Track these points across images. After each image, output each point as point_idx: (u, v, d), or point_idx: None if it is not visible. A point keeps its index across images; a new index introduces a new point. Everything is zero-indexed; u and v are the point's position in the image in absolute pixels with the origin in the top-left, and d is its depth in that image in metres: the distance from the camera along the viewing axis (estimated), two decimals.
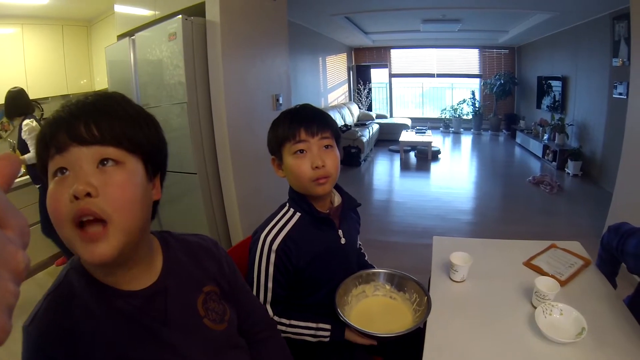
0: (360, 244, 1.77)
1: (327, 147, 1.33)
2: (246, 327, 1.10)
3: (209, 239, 1.08)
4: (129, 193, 0.74)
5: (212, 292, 0.96)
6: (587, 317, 1.25)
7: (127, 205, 0.73)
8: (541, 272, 1.62)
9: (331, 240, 1.44)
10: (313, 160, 1.29)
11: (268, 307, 1.36)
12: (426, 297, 1.36)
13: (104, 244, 0.70)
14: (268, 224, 1.38)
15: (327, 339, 1.37)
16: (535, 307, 1.36)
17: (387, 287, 1.51)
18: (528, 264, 1.71)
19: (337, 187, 1.50)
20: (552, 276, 1.54)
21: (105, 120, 0.74)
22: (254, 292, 1.35)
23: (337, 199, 1.49)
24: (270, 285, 1.34)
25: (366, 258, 1.77)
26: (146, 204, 0.80)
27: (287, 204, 1.43)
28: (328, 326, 1.37)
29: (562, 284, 1.51)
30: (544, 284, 1.41)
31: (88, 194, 0.69)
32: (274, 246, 1.32)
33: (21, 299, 0.33)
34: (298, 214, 1.39)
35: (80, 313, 0.76)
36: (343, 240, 1.46)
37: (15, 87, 3.51)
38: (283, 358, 1.20)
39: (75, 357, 0.73)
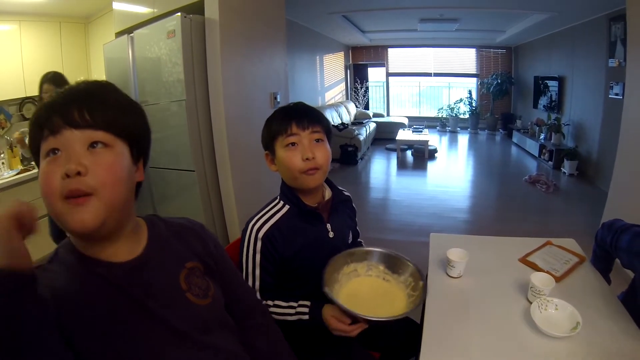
0: (360, 241, 1.77)
1: (317, 140, 1.38)
2: (237, 312, 1.13)
3: (196, 222, 1.12)
4: (115, 172, 0.81)
5: (195, 267, 1.00)
6: (581, 312, 1.27)
7: (112, 182, 0.80)
8: (536, 269, 1.63)
9: (319, 233, 1.46)
10: (303, 152, 1.34)
11: (257, 295, 1.38)
12: (422, 283, 1.34)
13: (88, 212, 0.76)
14: (258, 214, 1.44)
15: (307, 317, 1.34)
16: (530, 303, 1.38)
17: (381, 267, 1.46)
18: (524, 260, 1.73)
19: (329, 182, 1.55)
20: (548, 272, 1.56)
21: (97, 106, 0.81)
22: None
23: (327, 193, 1.53)
24: (257, 272, 1.38)
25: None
26: (130, 184, 0.86)
27: (278, 197, 1.48)
28: (307, 302, 1.36)
29: (557, 280, 1.52)
30: (539, 279, 1.43)
31: (79, 173, 0.76)
32: (260, 234, 1.37)
33: None
34: (287, 206, 1.43)
35: (65, 277, 0.81)
36: (331, 234, 1.49)
37: (51, 72, 3.24)
38: (275, 345, 1.21)
39: (59, 317, 0.74)
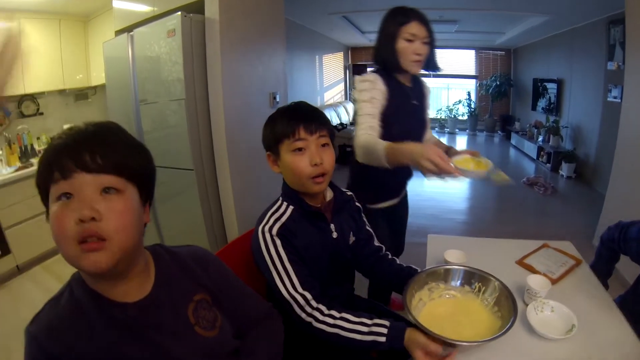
0: (381, 246, 1.69)
1: (324, 145, 1.36)
2: (245, 324, 1.14)
3: (199, 248, 1.13)
4: (127, 219, 0.84)
5: (202, 300, 1.01)
6: (577, 314, 1.28)
7: (125, 228, 0.83)
8: (533, 271, 1.64)
9: (323, 234, 1.45)
10: (312, 157, 1.31)
11: (306, 293, 1.30)
12: (497, 282, 1.33)
13: (102, 255, 0.79)
14: (264, 218, 1.39)
15: (384, 338, 1.21)
16: (527, 304, 1.39)
17: (442, 285, 1.42)
18: (521, 262, 1.74)
19: (330, 183, 1.52)
20: (544, 274, 1.56)
21: (108, 150, 0.83)
22: (280, 286, 1.30)
23: (329, 194, 1.52)
24: (290, 268, 1.31)
25: (390, 257, 1.66)
26: (139, 227, 0.90)
27: (281, 198, 1.44)
28: (386, 322, 1.25)
29: (554, 282, 1.53)
30: (535, 281, 1.44)
31: (93, 218, 0.78)
32: (274, 231, 1.33)
33: None
34: (291, 207, 1.40)
35: (79, 318, 0.84)
36: (335, 235, 1.47)
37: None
38: (270, 348, 1.18)
39: (73, 358, 0.80)
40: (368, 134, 1.76)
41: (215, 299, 1.05)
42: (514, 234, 1.62)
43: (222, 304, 1.07)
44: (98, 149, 0.81)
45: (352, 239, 1.58)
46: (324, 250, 1.44)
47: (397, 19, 1.91)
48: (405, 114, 2.01)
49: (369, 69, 2.02)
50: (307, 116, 1.35)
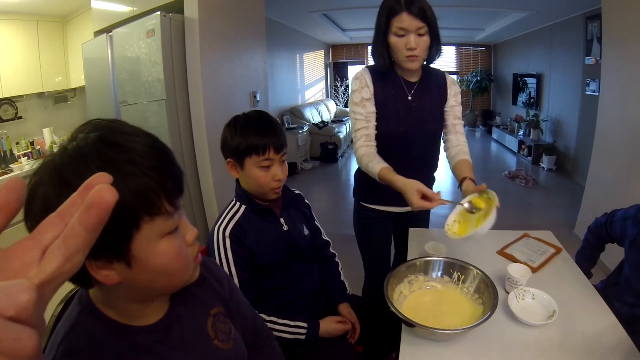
0: (328, 240, 1.87)
1: (283, 161, 1.53)
2: (252, 338, 1.15)
3: (208, 259, 1.09)
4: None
5: (219, 313, 0.99)
6: (557, 301, 1.30)
7: None
8: (514, 260, 1.66)
9: (274, 227, 1.59)
10: (275, 173, 1.49)
11: None
12: (476, 270, 1.41)
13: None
14: (220, 217, 1.52)
15: (303, 337, 1.51)
16: (508, 293, 1.41)
17: (421, 277, 1.48)
18: (502, 252, 1.76)
19: None
20: (525, 263, 1.59)
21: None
22: None
23: None
24: (233, 270, 1.45)
25: (330, 247, 1.87)
26: None
27: (234, 199, 1.57)
28: (304, 324, 1.53)
29: (534, 270, 1.56)
30: (516, 270, 1.46)
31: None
32: (227, 232, 1.47)
33: None
34: (244, 206, 1.54)
35: (101, 356, 0.74)
36: (285, 227, 1.61)
37: None
38: None
39: None
40: (365, 146, 1.77)
41: (228, 311, 1.02)
42: (496, 226, 1.65)
43: (235, 317, 1.05)
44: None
45: (306, 231, 1.72)
46: (278, 241, 1.57)
47: (384, 11, 1.68)
48: (392, 110, 1.82)
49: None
50: (277, 136, 1.49)
